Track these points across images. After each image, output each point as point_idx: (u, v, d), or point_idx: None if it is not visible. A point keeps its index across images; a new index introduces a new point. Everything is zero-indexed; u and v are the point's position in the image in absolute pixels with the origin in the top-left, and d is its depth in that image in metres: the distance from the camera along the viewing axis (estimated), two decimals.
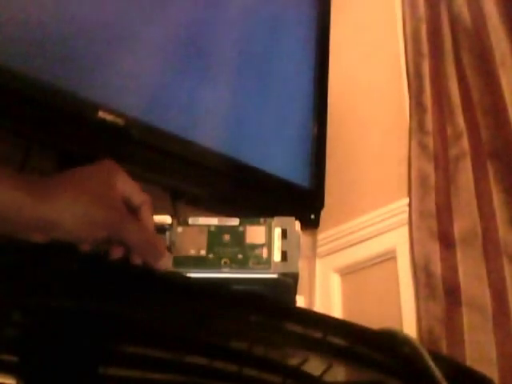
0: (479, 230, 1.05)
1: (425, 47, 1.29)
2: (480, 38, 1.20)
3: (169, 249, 0.59)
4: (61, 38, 0.86)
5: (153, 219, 0.55)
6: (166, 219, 0.60)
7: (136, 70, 0.94)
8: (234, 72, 1.10)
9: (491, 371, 0.90)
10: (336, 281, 1.29)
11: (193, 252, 0.59)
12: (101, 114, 0.86)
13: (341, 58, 1.43)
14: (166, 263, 0.54)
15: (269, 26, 1.20)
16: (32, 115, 0.81)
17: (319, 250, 1.34)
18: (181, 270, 0.58)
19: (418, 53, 1.30)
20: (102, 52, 0.90)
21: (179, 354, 0.53)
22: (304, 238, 1.30)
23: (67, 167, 0.52)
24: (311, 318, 0.55)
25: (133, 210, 0.53)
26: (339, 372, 0.63)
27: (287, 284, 0.59)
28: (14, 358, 0.51)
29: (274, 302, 0.55)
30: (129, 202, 0.52)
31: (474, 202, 1.08)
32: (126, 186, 0.52)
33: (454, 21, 1.27)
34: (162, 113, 0.95)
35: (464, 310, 0.99)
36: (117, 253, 0.52)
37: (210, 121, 1.03)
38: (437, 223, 1.11)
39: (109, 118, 0.86)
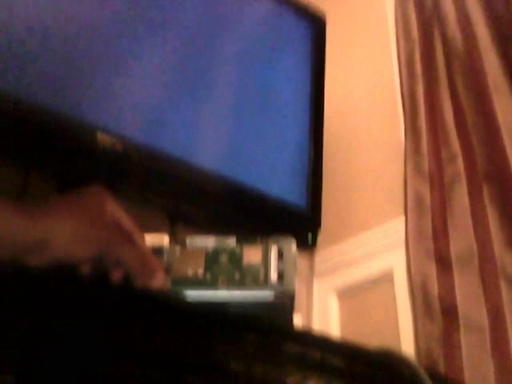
0: (475, 250, 1.05)
1: (419, 72, 1.31)
2: (473, 63, 1.22)
3: (166, 270, 0.59)
4: (58, 63, 0.87)
5: (145, 241, 0.56)
6: (163, 241, 0.61)
7: (134, 96, 0.95)
8: (232, 96, 1.12)
9: None
10: (334, 301, 1.29)
11: (190, 273, 0.59)
12: (99, 138, 0.87)
13: (336, 81, 1.45)
14: (161, 282, 0.54)
15: (268, 57, 1.22)
16: (31, 141, 0.82)
17: (317, 270, 1.34)
18: (178, 290, 0.58)
19: (412, 78, 1.32)
20: (100, 77, 0.92)
21: (177, 374, 0.53)
22: (301, 258, 1.30)
23: (66, 192, 0.53)
24: (309, 339, 0.55)
25: (123, 233, 0.54)
26: None
27: (284, 304, 0.60)
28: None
29: (272, 323, 0.55)
30: (119, 225, 0.54)
31: (470, 223, 1.09)
32: (116, 211, 0.54)
33: (448, 45, 1.30)
34: (160, 136, 0.96)
35: (461, 329, 0.99)
36: (117, 275, 0.52)
37: (208, 144, 1.04)
38: (433, 243, 1.11)
39: (107, 142, 0.87)
